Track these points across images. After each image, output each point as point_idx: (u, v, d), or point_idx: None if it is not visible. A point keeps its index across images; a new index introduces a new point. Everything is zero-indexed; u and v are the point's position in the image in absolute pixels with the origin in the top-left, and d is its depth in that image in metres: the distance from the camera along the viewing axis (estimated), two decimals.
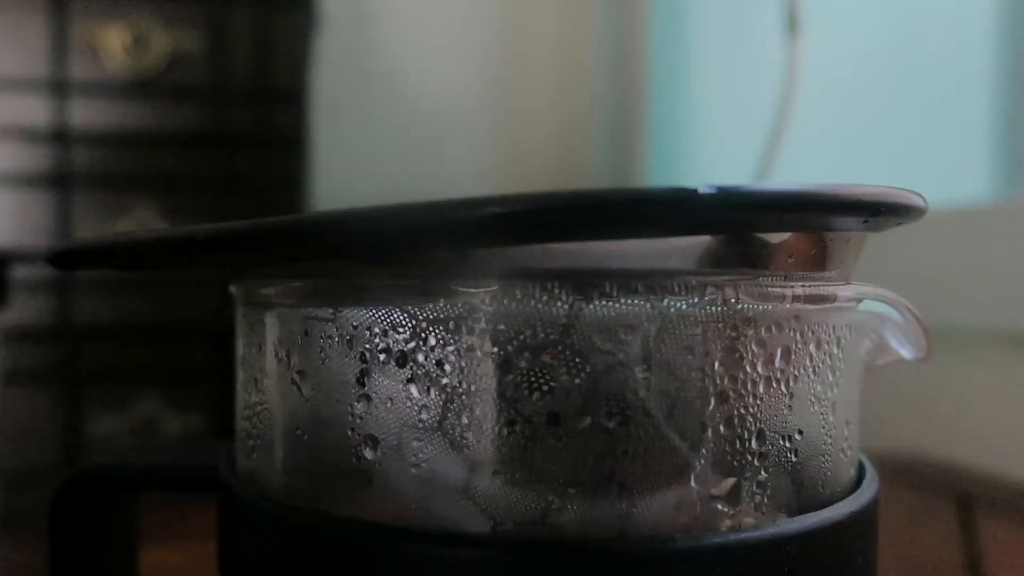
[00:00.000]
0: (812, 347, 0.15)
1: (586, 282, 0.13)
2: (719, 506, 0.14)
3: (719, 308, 0.14)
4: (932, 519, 0.42)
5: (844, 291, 0.15)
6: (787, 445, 0.14)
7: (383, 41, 0.90)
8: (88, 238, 0.17)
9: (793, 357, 0.14)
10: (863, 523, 0.15)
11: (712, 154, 0.90)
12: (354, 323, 0.14)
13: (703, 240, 0.13)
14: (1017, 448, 0.50)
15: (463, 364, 0.13)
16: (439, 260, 0.13)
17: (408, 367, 0.14)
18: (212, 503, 0.17)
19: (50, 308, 0.61)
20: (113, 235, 0.17)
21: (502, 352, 0.13)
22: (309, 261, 0.15)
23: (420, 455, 0.14)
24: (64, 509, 0.19)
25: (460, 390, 0.13)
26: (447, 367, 0.13)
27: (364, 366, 0.14)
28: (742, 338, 0.14)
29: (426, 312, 0.14)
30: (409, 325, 0.14)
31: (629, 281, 0.13)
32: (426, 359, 0.14)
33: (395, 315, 0.14)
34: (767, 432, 0.14)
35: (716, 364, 0.14)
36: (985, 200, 0.60)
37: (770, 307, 0.14)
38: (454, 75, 0.93)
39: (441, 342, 0.13)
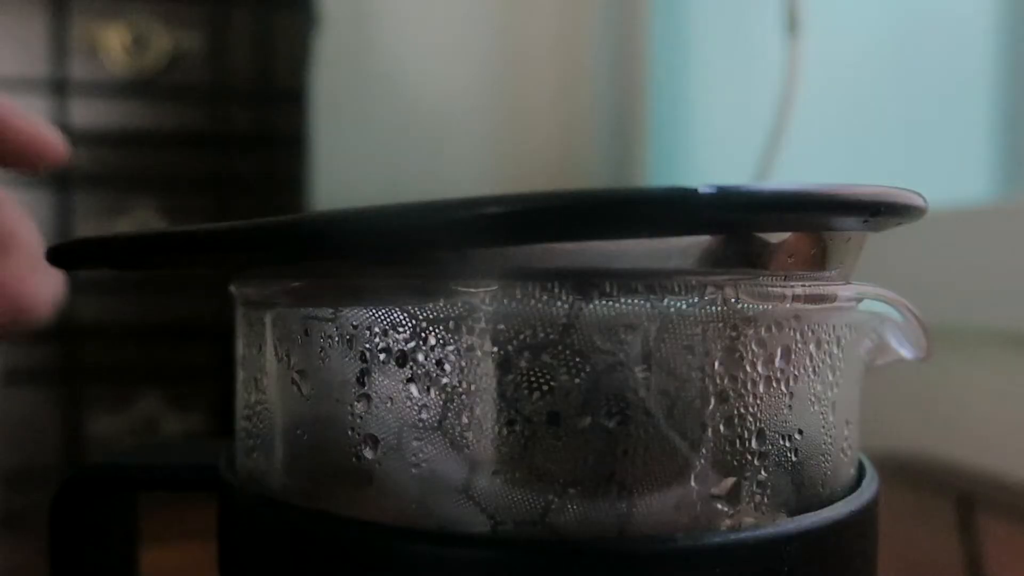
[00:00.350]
0: (812, 347, 0.15)
1: (586, 282, 0.13)
2: (719, 506, 0.14)
3: (719, 308, 0.14)
4: (932, 519, 0.42)
5: (844, 291, 0.15)
6: (787, 445, 0.14)
7: (383, 41, 0.90)
8: (88, 237, 0.16)
9: (793, 357, 0.14)
10: (863, 523, 0.15)
11: (712, 154, 0.90)
12: (354, 323, 0.14)
13: (703, 240, 0.13)
14: (1017, 448, 0.50)
15: (463, 364, 0.13)
16: (439, 260, 0.13)
17: (408, 367, 0.14)
18: (212, 503, 0.17)
19: None
20: (113, 234, 0.17)
21: (502, 352, 0.13)
22: (309, 261, 0.15)
23: (420, 455, 0.14)
24: (64, 509, 0.19)
25: (460, 390, 0.13)
26: (447, 367, 0.13)
27: (364, 366, 0.14)
28: (742, 338, 0.14)
29: (426, 312, 0.14)
30: (409, 325, 0.14)
31: (629, 281, 0.13)
32: (426, 359, 0.14)
33: (395, 315, 0.14)
34: (767, 432, 0.14)
35: (716, 364, 0.14)
36: (985, 200, 0.60)
37: (770, 307, 0.14)
38: (454, 75, 0.93)
39: (441, 342, 0.13)
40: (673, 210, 0.12)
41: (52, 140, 0.22)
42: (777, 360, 0.14)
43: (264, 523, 0.15)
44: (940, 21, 0.67)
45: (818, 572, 0.14)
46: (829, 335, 0.15)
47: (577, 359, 0.13)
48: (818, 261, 0.15)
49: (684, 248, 0.13)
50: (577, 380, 0.13)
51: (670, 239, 0.13)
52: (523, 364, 0.13)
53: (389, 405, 0.14)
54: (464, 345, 0.13)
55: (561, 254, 0.13)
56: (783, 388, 0.14)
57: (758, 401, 0.14)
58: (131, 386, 0.64)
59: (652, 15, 0.94)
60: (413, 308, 0.14)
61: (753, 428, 0.14)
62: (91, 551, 0.19)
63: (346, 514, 0.14)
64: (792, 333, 0.15)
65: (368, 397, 0.14)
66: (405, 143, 0.89)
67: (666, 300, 0.13)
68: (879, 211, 0.13)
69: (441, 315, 0.14)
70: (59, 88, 0.62)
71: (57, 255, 0.17)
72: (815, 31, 0.65)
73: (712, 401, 0.14)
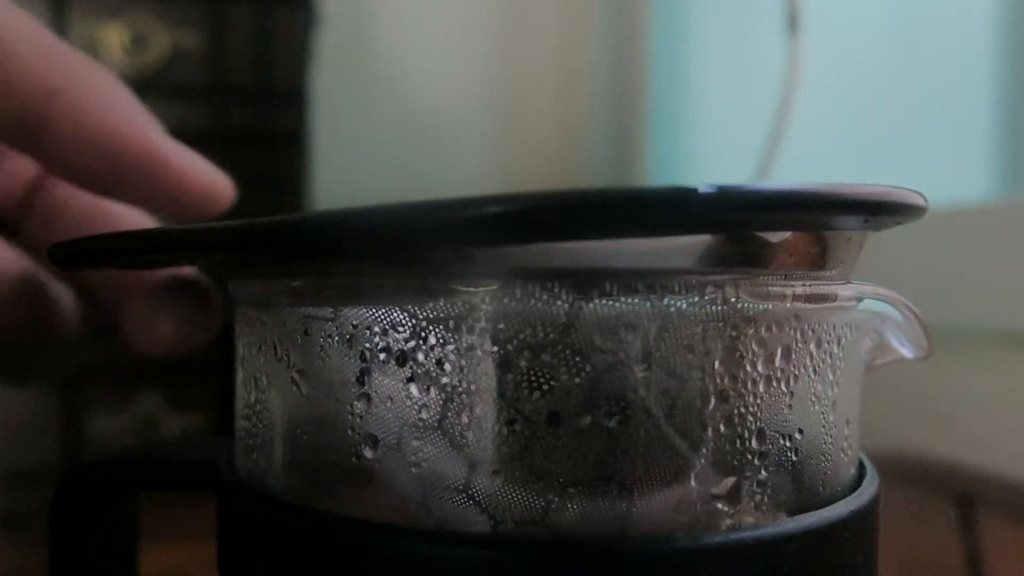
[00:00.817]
0: (812, 346, 0.15)
1: (586, 281, 0.13)
2: (719, 505, 0.14)
3: (719, 307, 0.14)
4: (932, 518, 0.42)
5: (844, 290, 0.15)
6: (787, 444, 0.14)
7: (383, 40, 0.90)
8: (86, 236, 0.16)
9: (793, 356, 0.14)
10: (863, 522, 0.15)
11: (712, 154, 0.90)
12: (354, 322, 0.14)
13: (703, 239, 0.13)
14: (1017, 448, 0.50)
15: (463, 363, 0.13)
16: (439, 259, 0.13)
17: (408, 366, 0.14)
18: (212, 503, 0.17)
19: None
20: (111, 233, 0.17)
21: (502, 351, 0.13)
22: (308, 261, 0.15)
23: (420, 454, 0.14)
24: (64, 509, 0.19)
25: (460, 389, 0.13)
26: (447, 366, 0.13)
27: (364, 365, 0.14)
28: (742, 337, 0.14)
29: (426, 311, 0.14)
30: (409, 324, 0.14)
31: (629, 280, 0.13)
32: (426, 358, 0.14)
33: (395, 314, 0.14)
34: (767, 431, 0.14)
35: (716, 363, 0.14)
36: (985, 200, 0.60)
37: (770, 306, 0.14)
38: (454, 75, 0.93)
39: (441, 341, 0.13)
40: (673, 210, 0.12)
41: (223, 188, 0.21)
42: (777, 359, 0.14)
43: (264, 523, 0.15)
44: (940, 21, 0.67)
45: (818, 572, 0.14)
46: (829, 334, 0.15)
47: (577, 358, 0.13)
48: (818, 260, 0.15)
49: (684, 247, 0.13)
50: (577, 379, 0.13)
51: (670, 238, 0.13)
52: (523, 363, 0.13)
53: (389, 405, 0.14)
54: (464, 344, 0.13)
55: (561, 253, 0.13)
56: (783, 388, 0.14)
57: (758, 401, 0.14)
58: (131, 385, 0.64)
59: (652, 15, 0.94)
60: (413, 308, 0.14)
61: (753, 428, 0.14)
62: (91, 551, 0.19)
63: (346, 514, 0.14)
64: (792, 332, 0.15)
65: (368, 397, 0.14)
66: (405, 143, 0.89)
67: (666, 299, 0.13)
68: (880, 210, 0.13)
69: (441, 315, 0.14)
70: None
71: (55, 253, 0.17)
72: (815, 31, 0.65)
73: (712, 401, 0.14)
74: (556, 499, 0.13)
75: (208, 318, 0.20)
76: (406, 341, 0.14)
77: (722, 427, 0.14)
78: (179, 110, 0.65)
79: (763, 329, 0.14)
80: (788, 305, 0.14)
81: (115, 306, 0.21)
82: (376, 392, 0.14)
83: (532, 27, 0.96)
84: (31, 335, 0.20)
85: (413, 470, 0.14)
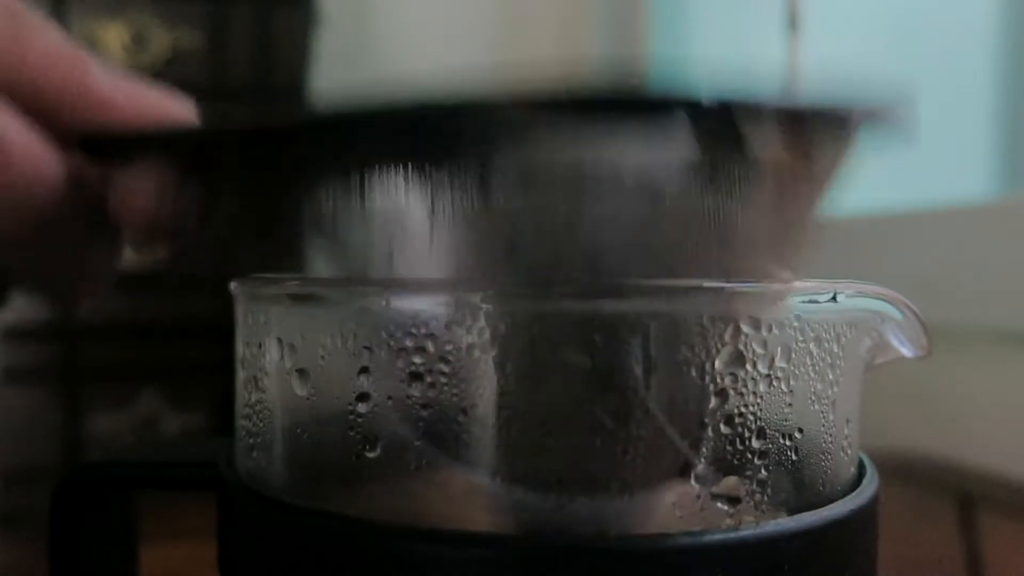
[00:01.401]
0: (812, 345, 0.15)
1: (588, 281, 0.13)
2: (720, 504, 0.14)
3: (721, 307, 0.14)
4: (933, 518, 0.42)
5: (844, 289, 0.15)
6: (787, 443, 0.14)
7: (383, 40, 0.90)
8: (120, 129, 0.16)
9: (793, 356, 0.14)
10: (863, 521, 0.15)
11: None
12: (355, 321, 0.14)
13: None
14: (1017, 446, 0.50)
15: (464, 363, 0.13)
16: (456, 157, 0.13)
17: (409, 366, 0.14)
18: (212, 503, 0.17)
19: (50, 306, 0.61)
20: (146, 128, 0.17)
21: (503, 351, 0.13)
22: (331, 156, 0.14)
23: (420, 454, 0.14)
24: (64, 508, 0.19)
25: (460, 389, 0.13)
26: (448, 367, 0.13)
27: (364, 365, 0.14)
28: (743, 337, 0.14)
29: (427, 311, 0.14)
30: (410, 324, 0.14)
31: (632, 280, 0.13)
32: (427, 358, 0.14)
33: (396, 314, 0.14)
34: (768, 430, 0.14)
35: (717, 363, 0.14)
36: (985, 200, 0.60)
37: (771, 306, 0.14)
38: (454, 74, 0.93)
39: (442, 341, 0.13)
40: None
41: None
42: (777, 359, 0.14)
43: (264, 523, 0.15)
44: (940, 21, 0.67)
45: (818, 570, 0.14)
46: (829, 334, 0.15)
47: (579, 359, 0.13)
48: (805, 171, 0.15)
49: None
50: (579, 379, 0.13)
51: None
52: (524, 364, 0.13)
53: (389, 404, 0.14)
54: (465, 344, 0.13)
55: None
56: (783, 387, 0.14)
57: (758, 400, 0.14)
58: (131, 385, 0.64)
59: (652, 14, 0.94)
60: (414, 307, 0.14)
61: (753, 427, 0.14)
62: (91, 550, 0.19)
63: (346, 514, 0.14)
64: (792, 332, 0.15)
65: (368, 396, 0.14)
66: None
67: (669, 299, 0.13)
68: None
69: (443, 314, 0.14)
70: None
71: (88, 143, 0.16)
72: (815, 30, 0.65)
73: (713, 400, 0.14)
74: (556, 498, 0.13)
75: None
76: (407, 340, 0.14)
77: (723, 426, 0.14)
78: None
79: (763, 329, 0.14)
80: (789, 304, 0.14)
81: None
82: (376, 392, 0.14)
83: (532, 27, 0.96)
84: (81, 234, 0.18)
85: (413, 470, 0.14)
